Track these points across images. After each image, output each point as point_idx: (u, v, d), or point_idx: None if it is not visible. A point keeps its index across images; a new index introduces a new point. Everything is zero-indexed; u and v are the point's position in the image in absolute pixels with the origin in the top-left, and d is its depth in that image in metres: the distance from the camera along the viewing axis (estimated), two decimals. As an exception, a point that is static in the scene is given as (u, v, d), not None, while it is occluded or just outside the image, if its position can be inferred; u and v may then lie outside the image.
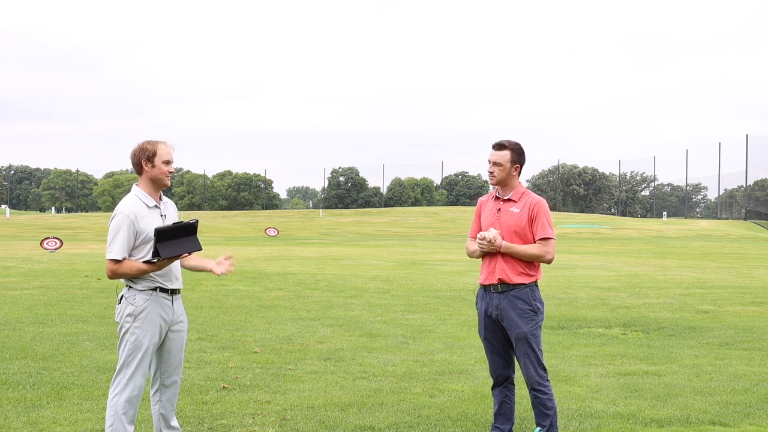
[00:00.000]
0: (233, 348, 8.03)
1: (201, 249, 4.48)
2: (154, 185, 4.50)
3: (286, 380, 6.62)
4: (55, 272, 16.37)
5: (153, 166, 4.44)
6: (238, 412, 5.62)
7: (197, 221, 4.45)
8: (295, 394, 6.14)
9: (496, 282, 4.81)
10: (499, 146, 4.88)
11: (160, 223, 4.43)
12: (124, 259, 4.35)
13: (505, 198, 4.90)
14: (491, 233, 4.77)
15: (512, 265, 4.78)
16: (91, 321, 9.71)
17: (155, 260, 4.30)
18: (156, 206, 4.50)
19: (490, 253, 4.84)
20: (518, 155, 4.88)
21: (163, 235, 4.29)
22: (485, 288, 4.91)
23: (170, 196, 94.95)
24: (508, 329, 4.81)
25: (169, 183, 4.53)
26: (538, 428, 4.98)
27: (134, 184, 4.57)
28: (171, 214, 4.61)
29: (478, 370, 7.12)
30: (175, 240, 4.35)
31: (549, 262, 4.82)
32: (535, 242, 4.80)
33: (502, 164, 4.84)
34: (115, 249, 4.34)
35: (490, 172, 4.90)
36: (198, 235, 4.50)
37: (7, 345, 7.98)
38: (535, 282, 4.86)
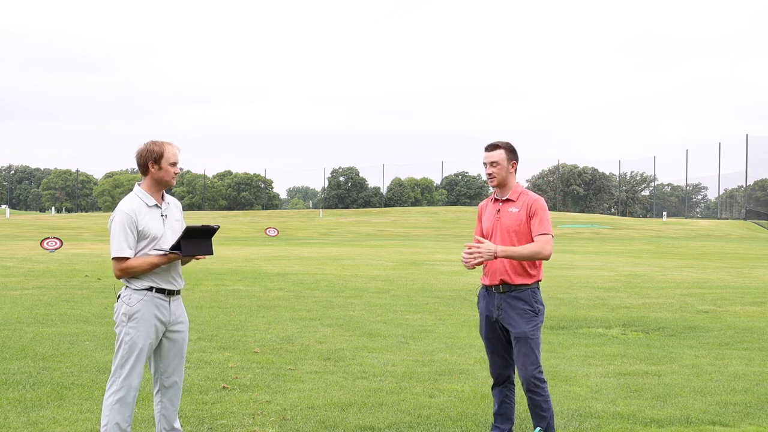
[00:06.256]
0: (233, 348, 8.03)
1: (212, 254, 4.50)
2: (159, 185, 4.48)
3: (286, 380, 6.62)
4: (55, 272, 16.38)
5: (160, 168, 4.42)
6: (238, 412, 5.62)
7: (219, 227, 4.47)
8: (295, 394, 6.13)
9: (498, 283, 4.80)
10: (492, 146, 4.86)
11: (160, 223, 4.43)
12: (129, 257, 4.32)
13: (504, 199, 4.88)
14: (484, 246, 4.70)
15: (514, 266, 4.77)
16: (91, 321, 9.71)
17: (171, 252, 4.32)
18: (156, 205, 4.46)
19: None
20: (512, 152, 4.85)
21: (191, 233, 4.32)
22: (487, 288, 4.91)
23: (171, 195, 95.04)
24: (508, 329, 4.81)
25: (174, 183, 4.51)
26: (538, 429, 4.98)
27: (136, 183, 4.54)
28: (173, 213, 4.57)
29: (478, 370, 7.12)
30: (196, 240, 4.37)
31: (547, 258, 4.77)
32: (533, 240, 4.77)
33: (500, 162, 4.81)
34: (119, 246, 4.31)
35: (489, 174, 4.86)
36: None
37: (7, 345, 7.98)
38: (537, 283, 4.85)
